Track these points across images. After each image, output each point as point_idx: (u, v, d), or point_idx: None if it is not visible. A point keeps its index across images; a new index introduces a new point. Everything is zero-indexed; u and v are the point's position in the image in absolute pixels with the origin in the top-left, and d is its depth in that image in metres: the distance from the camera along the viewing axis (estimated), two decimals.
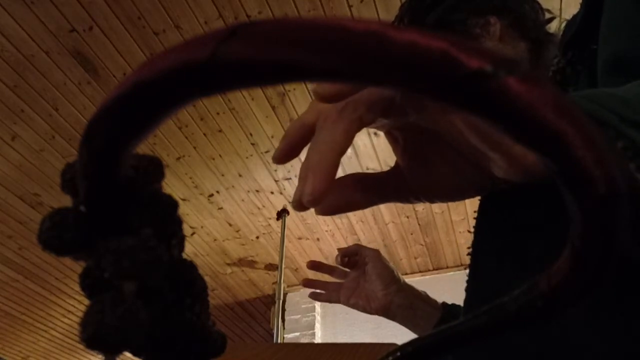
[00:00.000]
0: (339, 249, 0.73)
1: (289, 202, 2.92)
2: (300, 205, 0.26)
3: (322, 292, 0.74)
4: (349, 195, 0.31)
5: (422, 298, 0.70)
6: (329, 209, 0.30)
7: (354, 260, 0.72)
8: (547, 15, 0.66)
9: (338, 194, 0.31)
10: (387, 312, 0.69)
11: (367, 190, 0.32)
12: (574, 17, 0.49)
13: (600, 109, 0.24)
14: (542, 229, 0.32)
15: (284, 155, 0.30)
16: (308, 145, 0.29)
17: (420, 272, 3.44)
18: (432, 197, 0.32)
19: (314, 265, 0.75)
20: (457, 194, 0.32)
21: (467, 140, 0.27)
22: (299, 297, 3.46)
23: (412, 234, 3.19)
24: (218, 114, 2.39)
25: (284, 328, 2.91)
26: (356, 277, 0.72)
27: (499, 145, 0.26)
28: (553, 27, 0.65)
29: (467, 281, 0.39)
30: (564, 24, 0.53)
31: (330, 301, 0.73)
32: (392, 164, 0.34)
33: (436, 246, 3.28)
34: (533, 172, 0.26)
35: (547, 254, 0.32)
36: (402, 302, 0.68)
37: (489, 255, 0.37)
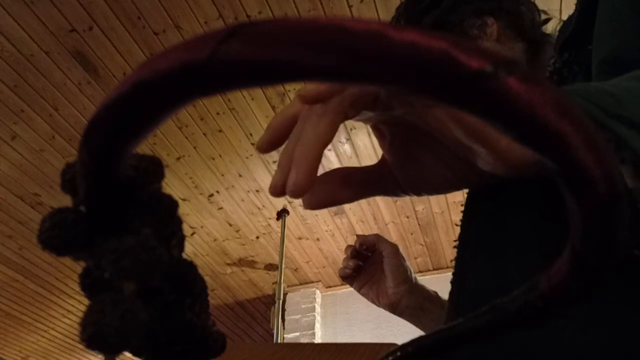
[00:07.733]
0: (357, 236, 0.73)
1: (289, 202, 2.92)
2: (277, 191, 0.27)
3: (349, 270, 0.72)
4: (335, 189, 0.32)
5: (432, 299, 0.69)
6: (316, 203, 0.31)
7: (372, 249, 0.72)
8: (544, 16, 0.66)
9: (325, 188, 0.31)
10: (394, 310, 0.69)
11: (354, 184, 0.32)
12: (570, 17, 0.49)
13: (585, 102, 0.24)
14: (528, 223, 0.33)
15: (268, 145, 0.30)
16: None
17: (420, 272, 3.44)
18: (419, 190, 0.33)
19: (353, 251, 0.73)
20: (444, 188, 0.32)
21: (453, 134, 0.27)
22: (299, 297, 3.46)
23: (412, 234, 3.19)
24: (218, 114, 2.39)
25: (284, 328, 2.91)
26: (374, 267, 0.72)
27: (485, 140, 0.26)
28: (552, 28, 0.65)
29: (453, 274, 0.39)
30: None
31: (347, 282, 0.72)
32: None
33: (436, 246, 3.28)
34: (519, 167, 0.27)
35: (533, 247, 0.32)
36: (411, 304, 0.68)
37: (475, 249, 0.37)
